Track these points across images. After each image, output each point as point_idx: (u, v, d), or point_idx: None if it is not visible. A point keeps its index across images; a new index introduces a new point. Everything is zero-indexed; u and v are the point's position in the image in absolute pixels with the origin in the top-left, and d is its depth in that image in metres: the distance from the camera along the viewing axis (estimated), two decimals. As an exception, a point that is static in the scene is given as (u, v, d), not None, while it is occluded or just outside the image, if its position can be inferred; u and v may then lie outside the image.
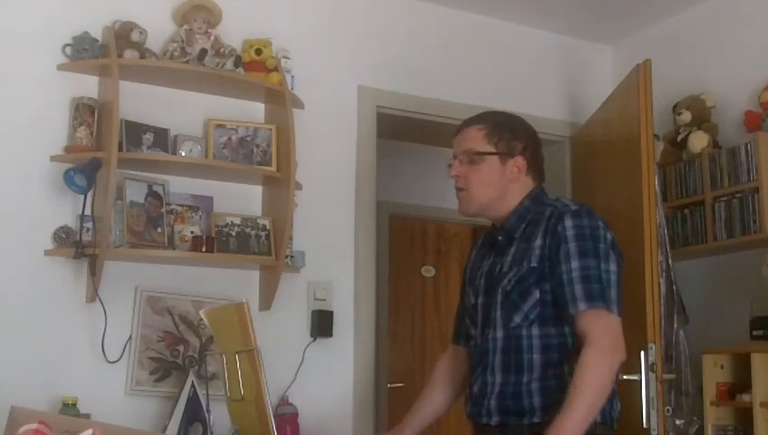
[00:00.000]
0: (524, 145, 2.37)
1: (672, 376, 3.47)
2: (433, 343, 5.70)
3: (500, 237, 2.36)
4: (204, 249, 3.19)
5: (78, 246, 3.05)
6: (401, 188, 5.35)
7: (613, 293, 2.20)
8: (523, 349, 2.24)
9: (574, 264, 2.19)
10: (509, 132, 2.36)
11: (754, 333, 3.44)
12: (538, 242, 2.25)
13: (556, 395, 2.17)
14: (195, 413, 3.04)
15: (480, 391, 2.31)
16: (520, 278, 2.25)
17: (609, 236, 2.25)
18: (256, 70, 3.43)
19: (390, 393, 5.25)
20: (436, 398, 2.57)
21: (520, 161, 2.35)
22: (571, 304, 2.18)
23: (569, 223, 2.23)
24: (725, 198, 3.67)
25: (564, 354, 2.22)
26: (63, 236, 3.11)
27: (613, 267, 2.22)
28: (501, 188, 2.34)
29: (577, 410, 2.09)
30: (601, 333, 2.15)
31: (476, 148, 2.34)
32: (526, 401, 2.22)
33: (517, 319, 2.24)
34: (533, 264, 2.24)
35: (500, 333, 2.27)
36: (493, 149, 2.34)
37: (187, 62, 3.27)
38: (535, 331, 2.23)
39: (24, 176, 3.11)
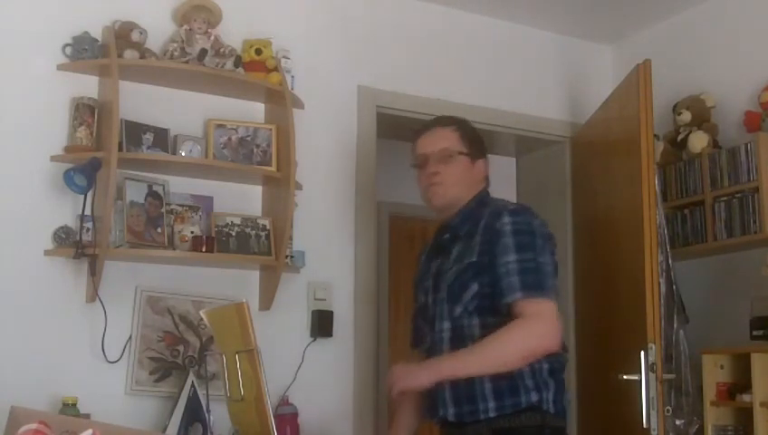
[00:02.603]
0: (485, 151, 2.63)
1: (672, 376, 3.46)
2: (433, 343, 5.69)
3: (447, 235, 2.52)
4: (204, 249, 3.19)
5: (78, 246, 3.05)
6: (401, 188, 5.31)
7: (548, 282, 2.35)
8: (465, 337, 2.40)
9: (512, 256, 2.34)
10: (476, 137, 2.62)
11: (754, 333, 3.44)
12: (478, 238, 2.43)
13: (504, 382, 2.32)
14: (195, 413, 3.04)
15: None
16: (460, 272, 2.43)
17: (544, 231, 2.43)
18: (256, 70, 3.43)
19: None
20: (413, 407, 2.66)
21: (484, 164, 2.60)
22: (508, 293, 2.31)
23: (506, 220, 2.40)
24: (725, 198, 3.66)
25: None
26: (63, 236, 3.11)
27: (549, 259, 2.38)
28: (467, 186, 2.55)
29: (474, 355, 2.31)
30: (533, 316, 2.30)
31: (453, 147, 2.54)
32: (478, 387, 2.34)
33: (458, 310, 2.41)
34: (473, 259, 2.41)
35: (446, 325, 2.44)
36: (466, 150, 2.55)
37: (187, 62, 3.27)
38: (475, 320, 2.40)
39: (24, 176, 3.11)
